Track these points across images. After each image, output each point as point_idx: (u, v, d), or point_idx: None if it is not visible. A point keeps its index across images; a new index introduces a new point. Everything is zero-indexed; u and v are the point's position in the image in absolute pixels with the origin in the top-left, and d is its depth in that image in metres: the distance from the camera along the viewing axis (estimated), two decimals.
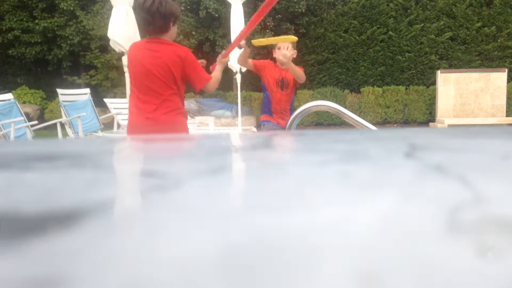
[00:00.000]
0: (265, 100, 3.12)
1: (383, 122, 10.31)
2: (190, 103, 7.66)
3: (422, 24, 10.98)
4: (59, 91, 6.40)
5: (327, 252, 0.09)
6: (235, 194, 0.15)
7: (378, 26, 11.15)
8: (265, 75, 3.03)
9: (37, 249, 0.09)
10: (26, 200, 0.13)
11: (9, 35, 11.41)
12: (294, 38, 2.88)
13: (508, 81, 9.14)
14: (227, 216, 0.12)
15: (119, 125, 6.29)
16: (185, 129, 2.26)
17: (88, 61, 11.28)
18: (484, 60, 10.83)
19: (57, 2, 11.06)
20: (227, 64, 2.71)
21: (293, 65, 2.85)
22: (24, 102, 10.75)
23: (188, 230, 0.11)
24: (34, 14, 11.50)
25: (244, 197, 0.14)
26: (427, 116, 10.29)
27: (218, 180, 0.17)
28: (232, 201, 0.13)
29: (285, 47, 2.85)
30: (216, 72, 2.34)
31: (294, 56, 2.91)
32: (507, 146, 0.28)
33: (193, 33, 10.70)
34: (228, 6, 6.65)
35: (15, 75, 12.41)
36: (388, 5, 11.13)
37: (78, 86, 9.56)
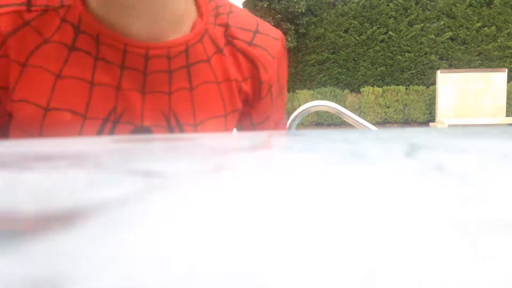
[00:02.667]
0: None
1: (383, 122, 10.31)
2: None
3: (422, 24, 10.99)
4: None
5: (324, 253, 0.09)
6: (233, 195, 0.14)
7: (378, 26, 11.15)
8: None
9: (36, 249, 0.09)
10: (25, 200, 0.13)
11: None
12: None
13: (508, 81, 9.14)
14: (227, 216, 0.12)
15: None
16: None
17: None
18: (484, 60, 10.84)
19: None
20: None
21: None
22: None
23: (188, 229, 0.10)
24: None
25: (243, 198, 0.14)
26: (427, 116, 10.29)
27: (218, 179, 0.17)
28: (231, 202, 0.13)
29: None
30: None
31: None
32: (507, 146, 0.28)
33: None
34: None
35: None
36: (388, 5, 11.14)
37: None
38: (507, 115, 8.99)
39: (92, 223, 0.11)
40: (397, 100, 10.32)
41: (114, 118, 0.55)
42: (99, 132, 0.54)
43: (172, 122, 0.57)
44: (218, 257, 0.08)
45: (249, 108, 0.65)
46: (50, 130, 0.54)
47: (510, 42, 10.71)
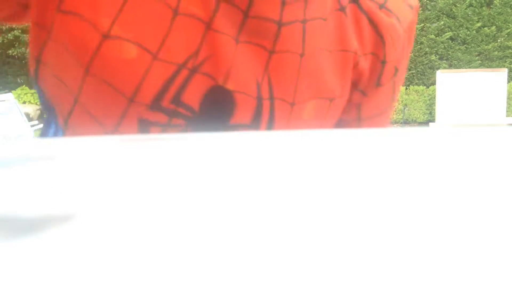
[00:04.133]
0: None
1: None
2: None
3: (422, 24, 10.98)
4: None
5: (322, 252, 0.09)
6: (230, 195, 0.14)
7: None
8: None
9: (36, 249, 0.09)
10: (25, 201, 0.13)
11: (9, 35, 11.42)
12: None
13: (508, 81, 9.14)
14: (226, 215, 0.11)
15: None
16: None
17: None
18: (484, 60, 10.83)
19: None
20: None
21: None
22: (24, 102, 10.75)
23: (188, 228, 0.10)
24: None
25: (240, 199, 0.14)
26: (427, 116, 10.29)
27: (218, 179, 0.17)
28: (230, 202, 0.13)
29: None
30: None
31: None
32: (507, 146, 0.28)
33: None
34: None
35: (15, 75, 12.41)
36: None
37: None
38: (507, 115, 8.99)
39: (92, 223, 0.11)
40: (397, 100, 10.31)
41: (193, 66, 0.38)
42: (167, 84, 0.38)
43: (263, 92, 0.41)
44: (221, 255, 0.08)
45: (359, 96, 0.48)
46: (102, 67, 0.38)
47: (510, 42, 10.70)
